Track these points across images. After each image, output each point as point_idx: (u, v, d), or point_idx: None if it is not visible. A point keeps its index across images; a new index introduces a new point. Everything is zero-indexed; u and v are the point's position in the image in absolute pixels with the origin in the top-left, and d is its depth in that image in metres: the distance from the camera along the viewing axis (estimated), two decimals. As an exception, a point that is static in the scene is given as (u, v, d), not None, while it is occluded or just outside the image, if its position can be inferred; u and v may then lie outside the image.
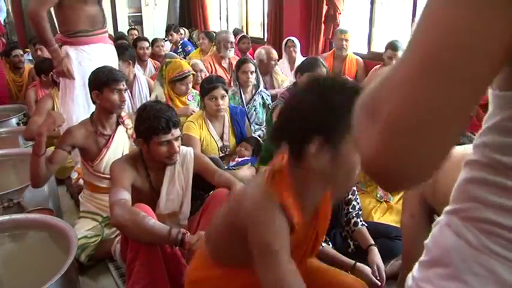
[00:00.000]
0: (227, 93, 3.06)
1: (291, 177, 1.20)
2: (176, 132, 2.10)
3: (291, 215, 1.15)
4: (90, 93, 2.56)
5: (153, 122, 2.03)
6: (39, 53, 4.97)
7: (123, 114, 2.71)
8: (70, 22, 3.04)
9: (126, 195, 1.94)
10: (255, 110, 3.74)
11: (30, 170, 2.40)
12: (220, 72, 4.85)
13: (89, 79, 2.58)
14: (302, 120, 1.15)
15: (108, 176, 2.53)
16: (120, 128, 2.66)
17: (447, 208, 0.65)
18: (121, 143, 2.66)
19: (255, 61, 3.95)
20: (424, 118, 0.47)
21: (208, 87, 2.99)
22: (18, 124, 4.20)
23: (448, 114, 0.48)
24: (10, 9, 7.54)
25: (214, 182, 2.24)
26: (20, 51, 5.37)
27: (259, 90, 3.82)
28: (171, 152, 2.09)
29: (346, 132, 1.10)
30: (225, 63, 4.99)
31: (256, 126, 3.72)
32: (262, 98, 3.82)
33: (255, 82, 3.80)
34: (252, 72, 3.71)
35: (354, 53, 4.79)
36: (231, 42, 4.89)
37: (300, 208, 1.19)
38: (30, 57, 6.02)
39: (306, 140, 1.13)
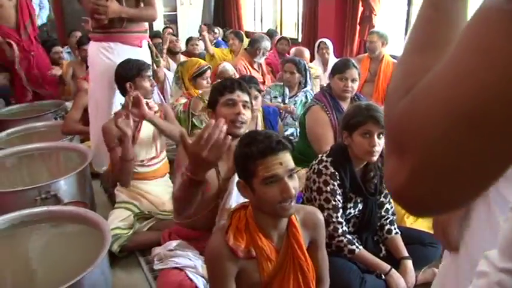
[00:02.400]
0: (260, 93, 3.07)
1: (252, 210, 1.57)
2: (244, 96, 2.00)
3: (234, 247, 1.50)
4: (121, 87, 2.76)
5: (219, 84, 2.07)
6: (84, 53, 5.12)
7: (149, 101, 2.83)
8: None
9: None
10: (294, 105, 3.83)
11: (121, 176, 2.58)
12: (254, 73, 4.86)
13: (118, 74, 2.76)
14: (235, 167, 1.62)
15: (140, 162, 2.71)
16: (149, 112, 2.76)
17: (499, 263, 0.58)
18: (151, 126, 2.75)
19: (303, 61, 4.00)
20: (458, 168, 0.42)
21: None
22: (55, 119, 4.32)
23: (486, 168, 0.43)
24: (51, 7, 7.74)
25: None
26: (59, 48, 5.53)
27: (304, 89, 3.93)
28: (236, 114, 1.94)
29: (254, 176, 1.47)
30: (255, 65, 5.02)
31: (291, 121, 3.82)
32: (306, 97, 3.90)
33: (303, 81, 3.91)
34: (291, 73, 3.84)
35: (390, 55, 4.71)
36: (268, 51, 4.96)
37: (265, 236, 1.55)
38: (69, 50, 6.19)
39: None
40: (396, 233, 2.20)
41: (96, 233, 2.04)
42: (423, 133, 0.43)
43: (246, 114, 1.99)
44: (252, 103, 2.86)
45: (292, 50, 5.09)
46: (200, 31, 6.69)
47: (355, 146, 2.04)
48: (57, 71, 5.09)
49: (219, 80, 3.52)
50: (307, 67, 4.00)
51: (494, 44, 0.39)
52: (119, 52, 3.09)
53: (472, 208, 0.92)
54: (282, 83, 4.02)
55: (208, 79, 3.67)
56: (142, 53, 3.21)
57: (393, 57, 4.73)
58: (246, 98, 2.01)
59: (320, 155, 2.18)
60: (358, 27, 5.26)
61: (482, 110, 0.40)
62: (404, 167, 0.45)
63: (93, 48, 3.19)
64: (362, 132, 2.01)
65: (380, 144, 2.01)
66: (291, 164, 1.51)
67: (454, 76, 0.42)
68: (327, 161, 2.10)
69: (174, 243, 2.01)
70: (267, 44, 4.92)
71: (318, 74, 4.82)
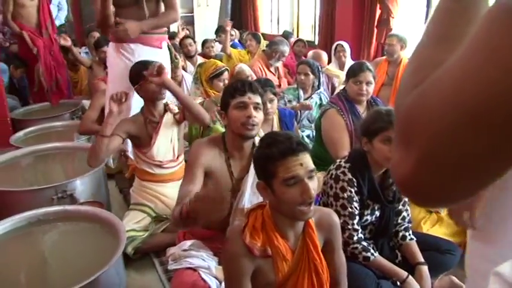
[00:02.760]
0: (276, 96, 3.07)
1: (270, 210, 1.59)
2: (255, 98, 2.00)
3: (250, 245, 1.52)
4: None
5: (231, 86, 2.06)
6: (102, 55, 5.18)
7: (169, 101, 2.81)
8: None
9: (192, 187, 1.91)
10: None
11: (91, 149, 2.50)
12: (270, 76, 4.86)
13: (132, 74, 2.74)
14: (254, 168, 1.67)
15: (158, 163, 2.70)
16: (168, 114, 2.77)
17: None
18: (169, 129, 2.77)
19: (316, 63, 4.05)
20: (462, 162, 0.44)
21: None
22: (72, 119, 4.38)
23: (488, 163, 0.43)
24: (69, 8, 7.85)
25: None
26: (77, 49, 5.60)
27: (318, 90, 3.98)
28: (247, 116, 1.95)
29: (274, 177, 1.49)
30: (272, 68, 5.02)
31: (307, 123, 3.84)
32: (320, 98, 3.95)
33: (316, 82, 3.97)
34: (306, 74, 3.89)
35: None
36: (285, 56, 4.96)
37: (281, 236, 1.57)
38: (87, 50, 6.27)
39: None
40: (411, 239, 2.18)
41: (112, 233, 2.07)
42: (429, 125, 0.45)
43: (258, 116, 2.00)
44: (264, 104, 2.90)
45: (310, 53, 5.10)
46: (220, 30, 6.69)
47: (375, 152, 2.02)
48: (65, 41, 5.11)
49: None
50: (320, 68, 4.03)
51: (502, 43, 0.40)
52: (139, 53, 3.10)
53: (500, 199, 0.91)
54: (296, 86, 4.04)
55: (225, 81, 3.69)
56: (162, 54, 3.22)
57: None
58: (257, 99, 2.02)
59: (338, 160, 2.16)
60: (375, 30, 5.23)
61: (486, 106, 0.41)
62: (410, 157, 0.47)
63: (113, 49, 3.21)
64: (383, 139, 1.98)
65: None
66: (311, 165, 1.52)
67: (462, 72, 0.43)
68: (345, 167, 2.08)
69: (188, 243, 2.03)
70: (285, 48, 4.89)
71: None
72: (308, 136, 3.75)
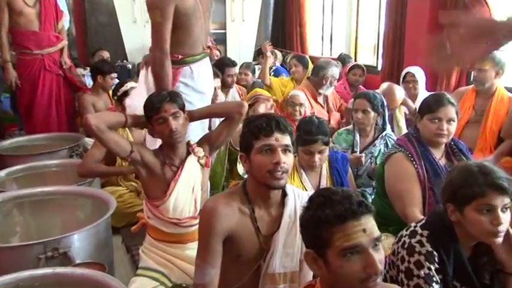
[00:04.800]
0: (328, 145, 3.06)
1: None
2: (284, 139, 2.00)
3: None
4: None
5: (253, 123, 2.05)
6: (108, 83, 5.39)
7: (192, 142, 2.81)
8: None
9: (210, 274, 1.97)
10: (370, 158, 3.70)
11: (104, 116, 2.63)
12: (317, 108, 4.89)
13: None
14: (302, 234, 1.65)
15: (176, 221, 2.66)
16: (191, 158, 2.75)
17: None
18: (192, 176, 2.75)
19: (379, 96, 3.82)
20: None
21: (305, 138, 2.97)
22: (71, 156, 4.35)
23: None
24: (71, 19, 8.08)
25: None
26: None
27: (383, 133, 3.78)
28: (275, 163, 1.96)
29: (328, 246, 1.47)
30: (320, 98, 5.05)
31: (367, 181, 3.72)
32: (387, 144, 3.72)
33: (380, 122, 3.77)
34: (364, 112, 3.69)
35: (505, 87, 4.54)
36: (337, 79, 4.96)
37: None
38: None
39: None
40: None
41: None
42: None
43: (288, 161, 2.01)
44: (312, 155, 2.91)
45: (383, 86, 4.84)
46: (259, 52, 6.74)
47: (469, 225, 1.93)
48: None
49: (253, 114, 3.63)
50: (385, 103, 3.82)
51: None
52: None
53: None
54: (350, 127, 3.87)
55: (258, 112, 3.80)
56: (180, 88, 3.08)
57: (509, 90, 4.55)
58: (286, 141, 2.02)
59: (413, 225, 2.10)
60: (458, 52, 5.17)
61: None
62: None
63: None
64: (479, 207, 1.88)
65: (506, 220, 1.88)
66: (376, 231, 1.50)
67: None
68: (422, 235, 2.01)
69: None
70: (335, 71, 4.90)
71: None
72: (364, 191, 3.63)
